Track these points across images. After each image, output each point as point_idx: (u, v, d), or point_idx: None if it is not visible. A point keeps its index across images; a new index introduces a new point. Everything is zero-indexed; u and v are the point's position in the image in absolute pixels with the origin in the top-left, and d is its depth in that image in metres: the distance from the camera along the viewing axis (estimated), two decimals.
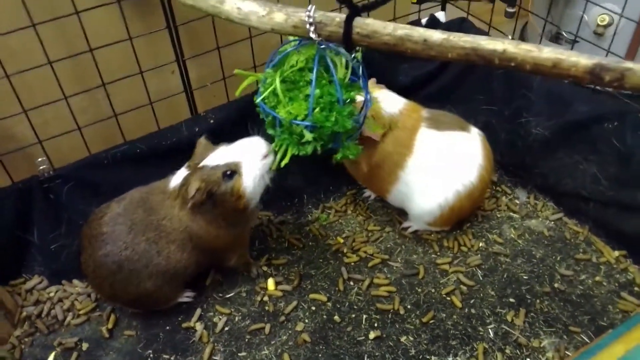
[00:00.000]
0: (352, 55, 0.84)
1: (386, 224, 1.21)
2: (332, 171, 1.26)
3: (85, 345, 1.02)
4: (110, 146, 1.10)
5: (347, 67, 0.86)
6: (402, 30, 0.75)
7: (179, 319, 1.06)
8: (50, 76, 0.99)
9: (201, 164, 0.96)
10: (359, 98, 0.89)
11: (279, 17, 0.79)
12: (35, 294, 1.09)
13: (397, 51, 0.76)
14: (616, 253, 1.11)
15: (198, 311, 1.06)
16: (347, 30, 0.76)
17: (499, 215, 1.22)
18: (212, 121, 1.16)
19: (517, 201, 1.24)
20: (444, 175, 1.06)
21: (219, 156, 0.96)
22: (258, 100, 0.88)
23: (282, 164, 0.90)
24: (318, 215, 1.23)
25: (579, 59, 0.69)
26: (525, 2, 1.62)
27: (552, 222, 1.19)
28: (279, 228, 1.21)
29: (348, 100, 0.86)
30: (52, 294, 1.10)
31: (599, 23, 1.51)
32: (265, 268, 1.13)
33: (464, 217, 1.15)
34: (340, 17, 0.77)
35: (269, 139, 0.93)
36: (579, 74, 0.70)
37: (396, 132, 1.06)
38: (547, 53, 0.69)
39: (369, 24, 0.76)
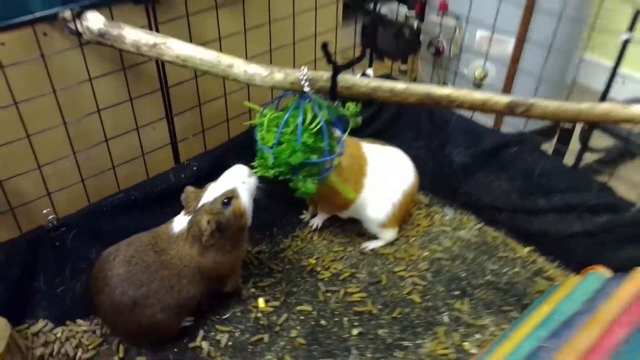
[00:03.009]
0: (335, 104, 1.08)
1: (347, 245, 1.44)
2: (295, 206, 1.49)
3: None
4: (106, 195, 1.24)
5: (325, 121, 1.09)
6: (374, 82, 1.01)
7: (184, 340, 1.19)
8: (54, 136, 1.13)
9: (200, 204, 1.13)
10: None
11: (279, 76, 1.02)
12: (42, 337, 1.17)
13: (371, 98, 1.02)
14: (527, 249, 1.43)
15: (201, 332, 1.20)
16: (333, 84, 1.01)
17: (435, 230, 1.50)
18: (195, 168, 1.34)
19: (447, 217, 1.53)
20: (393, 181, 1.35)
21: (213, 192, 1.13)
22: (256, 123, 1.10)
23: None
24: (289, 243, 1.43)
25: (500, 98, 0.99)
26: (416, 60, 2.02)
27: (476, 231, 1.50)
28: (258, 257, 1.39)
29: (311, 144, 1.08)
30: (59, 334, 1.18)
31: (477, 76, 1.91)
32: (252, 290, 1.30)
33: (407, 214, 1.43)
34: (327, 74, 1.02)
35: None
36: (500, 108, 1.00)
37: (349, 163, 1.31)
38: (479, 95, 0.99)
39: (349, 79, 1.02)
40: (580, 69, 1.25)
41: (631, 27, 1.13)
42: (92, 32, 1.04)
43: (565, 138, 1.69)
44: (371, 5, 2.03)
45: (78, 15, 1.03)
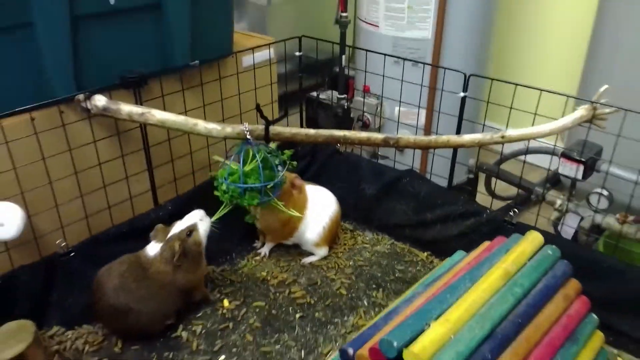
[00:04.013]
0: (269, 145, 1.56)
1: (291, 261, 1.87)
2: (249, 237, 1.92)
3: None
4: (104, 229, 1.65)
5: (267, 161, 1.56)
6: (294, 130, 1.51)
7: (168, 333, 1.56)
8: (67, 183, 1.56)
9: (170, 234, 1.54)
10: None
11: (229, 129, 1.50)
12: (56, 338, 1.51)
13: (293, 141, 1.52)
14: (425, 253, 1.89)
15: (180, 326, 1.57)
16: (266, 132, 1.50)
17: (357, 247, 1.95)
18: (169, 208, 1.76)
19: (367, 238, 2.00)
20: (322, 210, 1.80)
21: (179, 226, 1.52)
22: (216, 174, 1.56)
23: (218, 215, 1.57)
24: (245, 263, 1.85)
25: (378, 135, 1.50)
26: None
27: (388, 245, 1.95)
28: (221, 274, 1.79)
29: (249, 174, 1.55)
30: (69, 335, 1.52)
31: None
32: (218, 295, 1.69)
33: (335, 235, 1.87)
34: (261, 127, 1.51)
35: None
36: (379, 142, 1.51)
37: (298, 199, 1.77)
38: (364, 134, 1.50)
39: (276, 129, 1.51)
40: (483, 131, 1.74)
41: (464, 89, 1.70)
42: (97, 108, 1.50)
43: (472, 186, 2.24)
44: (313, 94, 2.59)
45: (88, 97, 1.50)
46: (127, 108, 1.50)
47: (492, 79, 1.66)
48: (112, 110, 1.49)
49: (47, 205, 1.53)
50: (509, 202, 2.51)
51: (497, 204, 2.38)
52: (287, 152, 1.63)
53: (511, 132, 1.50)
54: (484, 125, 1.71)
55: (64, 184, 1.55)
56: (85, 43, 1.48)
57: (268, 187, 1.56)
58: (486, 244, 1.48)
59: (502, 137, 1.49)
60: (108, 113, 1.50)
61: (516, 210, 1.66)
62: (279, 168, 1.61)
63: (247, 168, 1.54)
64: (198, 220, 1.55)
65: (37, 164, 1.48)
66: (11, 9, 1.31)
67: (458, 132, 1.76)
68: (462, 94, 1.70)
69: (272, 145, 1.58)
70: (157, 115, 1.49)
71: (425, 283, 1.40)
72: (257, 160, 1.52)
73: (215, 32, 1.79)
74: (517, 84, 1.61)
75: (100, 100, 1.50)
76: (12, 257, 1.48)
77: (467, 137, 1.51)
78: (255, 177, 1.53)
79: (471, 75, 1.70)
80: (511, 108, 1.62)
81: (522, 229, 1.60)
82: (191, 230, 1.52)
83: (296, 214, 1.69)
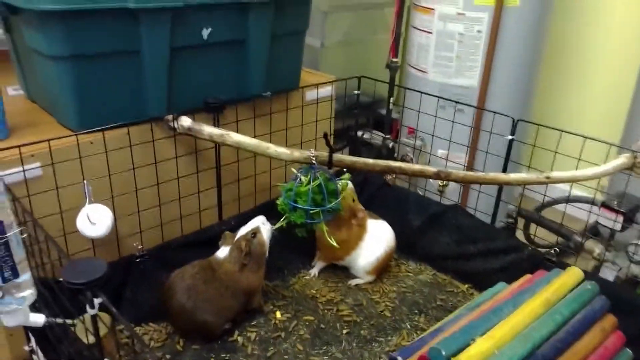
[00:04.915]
0: (332, 174, 1.71)
1: (339, 282, 1.99)
2: (302, 255, 2.07)
3: (167, 356, 1.62)
4: (174, 237, 1.82)
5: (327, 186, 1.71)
6: (355, 158, 1.67)
7: (225, 337, 1.70)
8: (148, 193, 1.75)
9: (237, 237, 1.71)
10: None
11: (297, 154, 1.67)
12: (126, 332, 1.67)
13: (353, 168, 1.67)
14: (466, 285, 1.99)
15: (236, 332, 1.71)
16: (330, 159, 1.66)
17: (401, 275, 2.06)
18: (232, 223, 1.93)
19: (411, 266, 2.11)
20: (379, 242, 1.92)
21: (244, 230, 1.71)
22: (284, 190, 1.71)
23: (278, 225, 1.71)
24: (296, 281, 1.99)
25: (430, 168, 1.65)
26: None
27: (430, 275, 2.06)
28: (274, 288, 1.93)
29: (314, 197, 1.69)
30: (138, 331, 1.68)
31: (440, 184, 2.58)
32: (271, 307, 1.83)
33: (385, 267, 1.99)
34: (326, 153, 1.67)
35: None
36: (431, 174, 1.65)
37: (357, 230, 1.90)
38: (418, 166, 1.64)
39: (339, 156, 1.67)
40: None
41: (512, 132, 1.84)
42: (183, 128, 1.70)
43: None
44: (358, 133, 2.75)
45: (176, 117, 1.70)
46: (209, 129, 1.69)
47: (539, 125, 1.79)
48: (195, 130, 1.69)
49: (130, 211, 1.71)
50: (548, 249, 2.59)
51: None
52: (345, 177, 1.78)
53: (556, 174, 1.62)
54: (529, 166, 1.84)
55: (146, 193, 1.74)
56: (179, 71, 1.70)
57: (312, 211, 1.69)
58: (528, 276, 1.59)
59: (547, 177, 1.61)
60: (191, 132, 1.69)
61: (557, 249, 1.76)
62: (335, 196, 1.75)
63: (302, 189, 1.68)
64: (260, 224, 1.71)
65: (127, 173, 1.67)
66: (125, 37, 1.54)
67: (504, 171, 1.89)
68: (509, 137, 1.83)
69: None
70: (235, 137, 1.67)
71: (469, 307, 1.51)
72: (310, 185, 1.66)
73: (286, 67, 1.99)
74: (562, 130, 1.74)
75: (186, 121, 1.70)
76: (97, 255, 1.66)
77: (513, 176, 1.64)
78: (305, 199, 1.67)
79: (519, 120, 1.84)
80: (556, 152, 1.75)
81: (562, 267, 1.70)
82: (255, 232, 1.68)
83: (334, 243, 1.77)
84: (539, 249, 1.83)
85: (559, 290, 1.41)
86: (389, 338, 1.72)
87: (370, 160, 1.66)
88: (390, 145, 2.72)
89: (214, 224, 1.90)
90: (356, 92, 2.23)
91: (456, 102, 2.08)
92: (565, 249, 2.60)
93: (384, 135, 2.73)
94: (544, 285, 1.44)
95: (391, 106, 2.64)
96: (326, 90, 2.19)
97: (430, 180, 2.48)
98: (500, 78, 2.49)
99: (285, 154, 1.67)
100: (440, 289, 1.99)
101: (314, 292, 1.93)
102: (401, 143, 2.68)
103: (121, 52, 1.57)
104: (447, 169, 1.65)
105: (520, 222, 2.54)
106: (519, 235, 2.46)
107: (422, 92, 2.14)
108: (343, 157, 1.66)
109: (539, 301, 1.35)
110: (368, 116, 2.98)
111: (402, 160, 2.67)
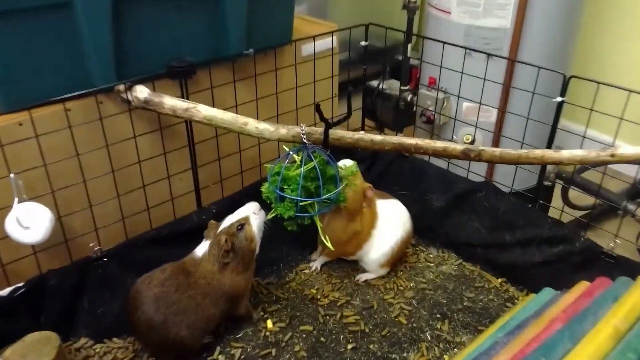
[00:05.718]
0: (328, 151, 1.35)
1: (344, 278, 1.67)
2: (298, 247, 1.73)
3: None
4: (141, 232, 1.50)
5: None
6: (358, 135, 1.29)
7: (204, 355, 1.40)
8: (103, 182, 1.41)
9: (219, 229, 1.38)
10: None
11: (283, 131, 1.31)
12: (83, 352, 1.38)
13: (356, 147, 1.30)
14: (499, 280, 1.65)
15: (218, 348, 1.41)
16: (326, 137, 1.29)
17: (420, 265, 1.73)
18: (214, 210, 1.59)
19: (431, 255, 1.77)
20: (393, 229, 1.58)
21: (230, 220, 1.38)
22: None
23: (270, 215, 1.37)
24: (293, 277, 1.66)
25: (456, 146, 1.27)
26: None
27: (455, 266, 1.72)
28: (267, 287, 1.62)
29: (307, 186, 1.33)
30: (97, 350, 1.39)
31: (465, 141, 2.19)
32: (262, 314, 1.52)
33: (400, 257, 1.65)
34: (321, 129, 1.30)
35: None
36: (457, 154, 1.27)
37: (368, 217, 1.56)
38: (440, 144, 1.27)
39: (338, 132, 1.30)
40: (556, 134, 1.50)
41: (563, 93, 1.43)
42: (139, 100, 1.34)
43: (547, 195, 1.96)
44: (373, 82, 2.37)
45: (129, 87, 1.34)
46: (171, 102, 1.32)
47: (599, 82, 1.37)
48: (154, 104, 1.33)
49: (80, 206, 1.39)
50: (585, 212, 2.21)
51: (565, 217, 2.04)
52: (351, 166, 1.40)
53: (623, 151, 1.23)
54: (584, 136, 1.43)
55: (99, 182, 1.40)
56: (129, 27, 1.31)
57: (302, 203, 1.34)
58: (584, 285, 1.23)
59: (612, 155, 1.22)
60: (149, 106, 1.33)
61: (617, 241, 1.39)
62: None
63: (291, 173, 1.32)
64: (251, 214, 1.37)
65: (70, 160, 1.33)
66: None
67: (550, 142, 1.50)
68: (559, 99, 1.43)
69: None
70: (204, 111, 1.31)
71: (507, 330, 1.17)
72: (301, 169, 1.30)
73: (274, 17, 1.58)
74: (630, 90, 1.33)
75: (142, 91, 1.33)
76: (40, 261, 1.36)
77: (566, 153, 1.25)
78: (294, 187, 1.32)
79: (572, 77, 1.42)
80: (621, 119, 1.34)
81: (627, 266, 1.33)
82: (242, 223, 1.34)
83: (329, 244, 1.44)
84: (594, 241, 1.46)
85: (631, 313, 1.05)
86: (405, 355, 1.40)
87: (378, 137, 1.29)
88: (409, 97, 2.32)
89: (192, 213, 1.57)
90: (363, 43, 1.82)
91: (488, 54, 1.65)
92: (605, 211, 2.23)
93: (401, 87, 2.33)
94: (609, 304, 1.09)
95: (409, 53, 2.22)
96: (326, 42, 1.78)
97: (453, 136, 2.09)
98: (537, 20, 2.05)
99: (269, 132, 1.30)
100: (468, 284, 1.64)
101: (314, 291, 1.60)
102: (420, 95, 2.27)
103: (47, 7, 1.19)
104: (477, 145, 1.27)
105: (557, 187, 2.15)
106: (556, 199, 2.08)
107: (444, 42, 1.72)
108: (343, 133, 1.29)
109: (606, 333, 1.00)
110: (385, 63, 2.56)
111: (422, 115, 2.27)
